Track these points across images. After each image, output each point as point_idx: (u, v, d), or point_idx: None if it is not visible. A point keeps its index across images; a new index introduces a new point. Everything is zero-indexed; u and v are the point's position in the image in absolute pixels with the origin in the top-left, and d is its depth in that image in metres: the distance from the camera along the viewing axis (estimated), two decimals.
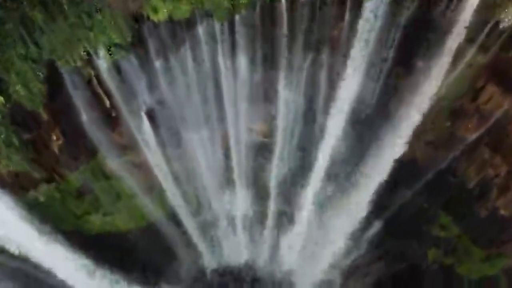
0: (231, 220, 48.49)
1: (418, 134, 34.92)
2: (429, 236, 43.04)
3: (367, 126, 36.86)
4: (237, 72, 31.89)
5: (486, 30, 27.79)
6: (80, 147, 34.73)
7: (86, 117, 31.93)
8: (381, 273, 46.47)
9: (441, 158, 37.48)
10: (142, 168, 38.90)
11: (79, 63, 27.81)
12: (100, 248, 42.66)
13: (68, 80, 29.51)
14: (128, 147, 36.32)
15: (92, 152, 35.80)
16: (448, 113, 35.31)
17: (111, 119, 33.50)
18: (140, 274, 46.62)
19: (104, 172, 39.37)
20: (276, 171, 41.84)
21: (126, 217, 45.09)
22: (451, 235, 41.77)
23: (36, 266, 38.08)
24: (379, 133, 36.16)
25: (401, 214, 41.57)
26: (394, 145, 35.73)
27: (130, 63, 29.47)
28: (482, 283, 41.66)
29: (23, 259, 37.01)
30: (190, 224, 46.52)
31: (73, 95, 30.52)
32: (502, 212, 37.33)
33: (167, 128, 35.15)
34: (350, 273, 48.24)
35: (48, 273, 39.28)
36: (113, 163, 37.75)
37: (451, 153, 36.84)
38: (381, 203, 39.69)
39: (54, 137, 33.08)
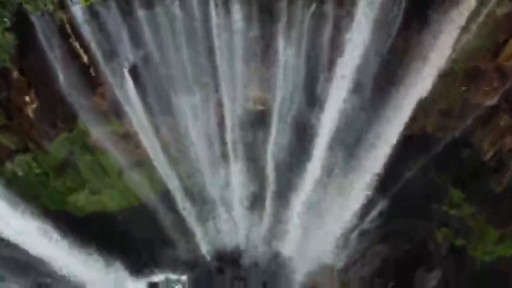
0: (227, 201, 45.69)
1: (429, 101, 31.94)
2: (439, 215, 40.54)
3: (374, 91, 34.09)
4: (231, 25, 28.80)
5: None
6: (58, 112, 31.74)
7: (62, 76, 28.87)
8: (385, 255, 43.99)
9: (454, 128, 34.90)
10: (128, 139, 36.00)
11: (50, 7, 24.56)
12: (89, 229, 40.67)
13: (40, 31, 26.46)
14: (111, 113, 33.27)
15: (71, 118, 32.80)
16: (463, 75, 32.63)
17: (90, 78, 30.42)
18: (133, 258, 44.63)
19: (87, 144, 36.53)
20: (273, 144, 39.06)
21: (115, 196, 42.84)
22: (464, 214, 39.32)
23: (25, 252, 36.00)
24: (386, 99, 33.26)
25: (408, 191, 38.75)
26: (403, 113, 32.72)
27: (109, 11, 26.36)
28: (496, 265, 39.14)
29: (12, 245, 34.81)
30: (184, 204, 44.03)
31: (47, 50, 27.43)
32: None
33: (154, 91, 32.20)
34: (352, 256, 45.72)
35: (38, 260, 37.29)
36: (96, 133, 34.68)
37: (465, 122, 34.23)
38: (386, 178, 36.82)
39: (28, 100, 30.09)
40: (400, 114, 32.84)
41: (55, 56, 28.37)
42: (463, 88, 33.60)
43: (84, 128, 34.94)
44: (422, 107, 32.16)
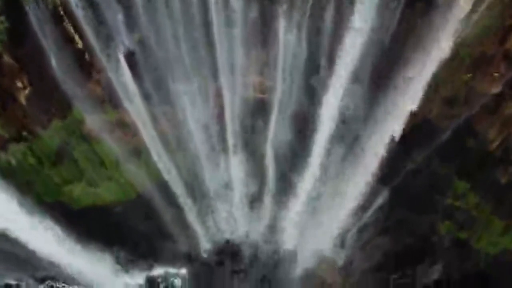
0: (227, 193, 44.87)
1: (434, 88, 31.80)
2: (442, 207, 39.63)
3: (376, 78, 33.22)
4: (230, 7, 27.88)
5: None
6: (52, 98, 30.92)
7: (55, 60, 28.04)
8: (386, 248, 43.26)
9: (459, 116, 34.09)
10: (125, 127, 35.11)
11: None
12: (87, 222, 39.44)
13: (32, 14, 25.57)
14: (107, 100, 32.42)
15: (66, 105, 31.92)
16: (469, 62, 31.70)
17: (85, 64, 29.57)
18: (131, 251, 43.59)
19: (83, 133, 35.59)
20: (273, 134, 38.28)
21: (113, 188, 41.76)
22: (468, 205, 38.45)
23: (24, 247, 34.73)
24: (389, 87, 32.62)
25: (410, 182, 38.01)
26: (406, 102, 32.21)
27: None
28: (501, 258, 38.24)
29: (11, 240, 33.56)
30: (182, 196, 43.01)
31: (39, 33, 26.58)
32: None
33: (151, 77, 31.33)
34: (354, 250, 45.12)
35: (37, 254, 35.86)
36: (91, 120, 33.84)
37: (470, 110, 33.48)
38: (388, 170, 36.41)
39: (20, 85, 29.24)
40: (404, 99, 32.16)
41: (47, 41, 27.60)
42: (469, 75, 32.82)
43: (79, 116, 34.13)
44: (426, 94, 31.29)
